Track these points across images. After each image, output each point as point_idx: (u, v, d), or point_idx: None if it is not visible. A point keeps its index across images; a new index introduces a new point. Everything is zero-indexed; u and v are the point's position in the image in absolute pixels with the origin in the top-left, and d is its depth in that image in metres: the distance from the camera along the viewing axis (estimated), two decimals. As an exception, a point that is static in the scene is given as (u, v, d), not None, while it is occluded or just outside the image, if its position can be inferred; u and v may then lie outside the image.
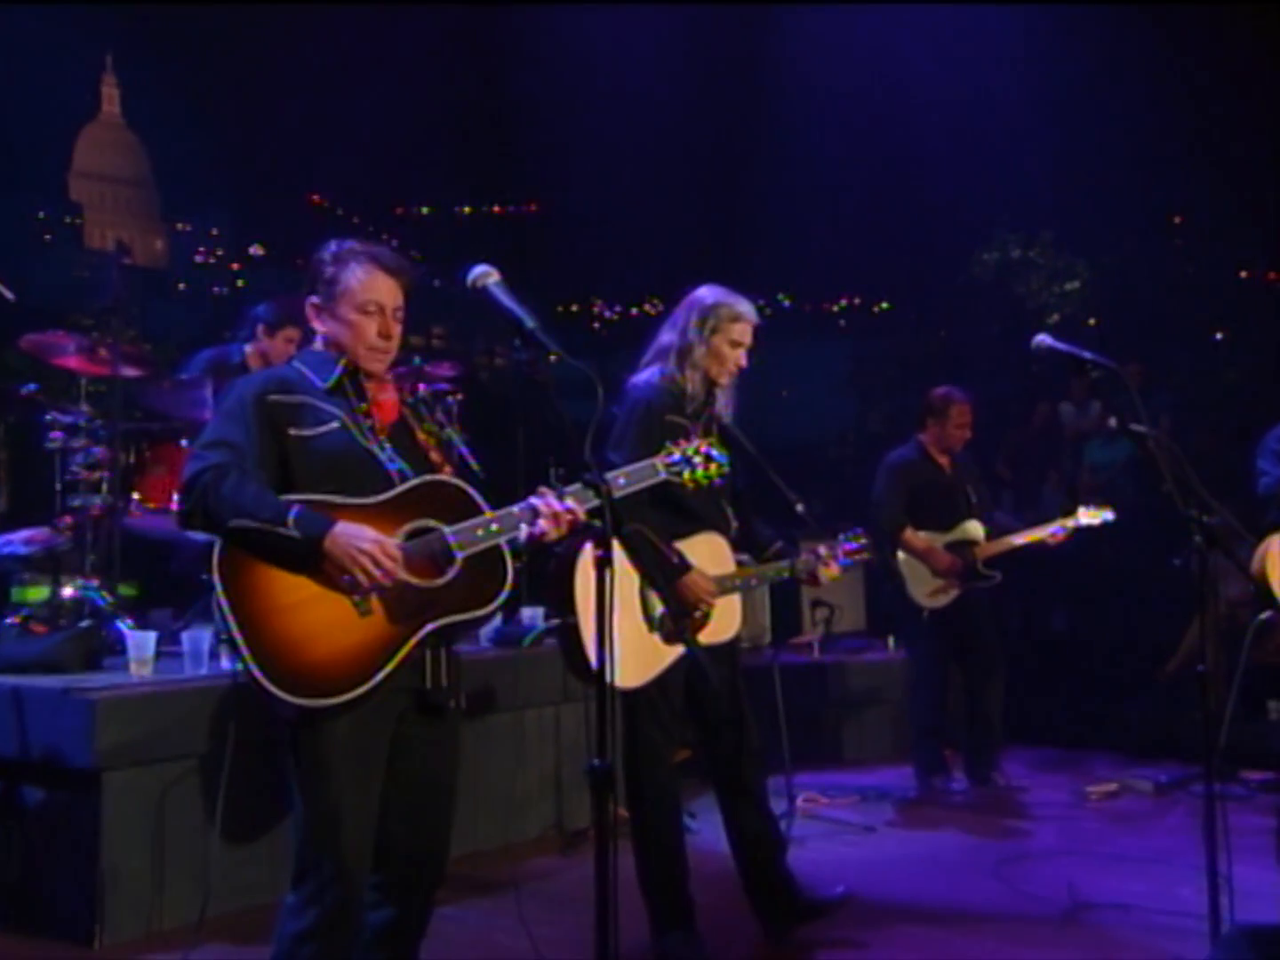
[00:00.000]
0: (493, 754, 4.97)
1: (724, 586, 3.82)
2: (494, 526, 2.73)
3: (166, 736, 3.91)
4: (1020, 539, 5.83)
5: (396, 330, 2.85)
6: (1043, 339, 3.50)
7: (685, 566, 3.71)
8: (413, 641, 2.65)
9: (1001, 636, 6.16)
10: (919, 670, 6.14)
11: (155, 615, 5.41)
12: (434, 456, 2.88)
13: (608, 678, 2.30)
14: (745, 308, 3.88)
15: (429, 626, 2.67)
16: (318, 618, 2.58)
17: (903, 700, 6.51)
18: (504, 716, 5.04)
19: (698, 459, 3.02)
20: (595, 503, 2.62)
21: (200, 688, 4.04)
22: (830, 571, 3.93)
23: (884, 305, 18.91)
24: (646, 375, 3.91)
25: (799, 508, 3.90)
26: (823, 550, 3.95)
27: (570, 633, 3.61)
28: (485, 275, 2.65)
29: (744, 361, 3.90)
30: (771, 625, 6.85)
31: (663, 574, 3.60)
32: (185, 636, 4.29)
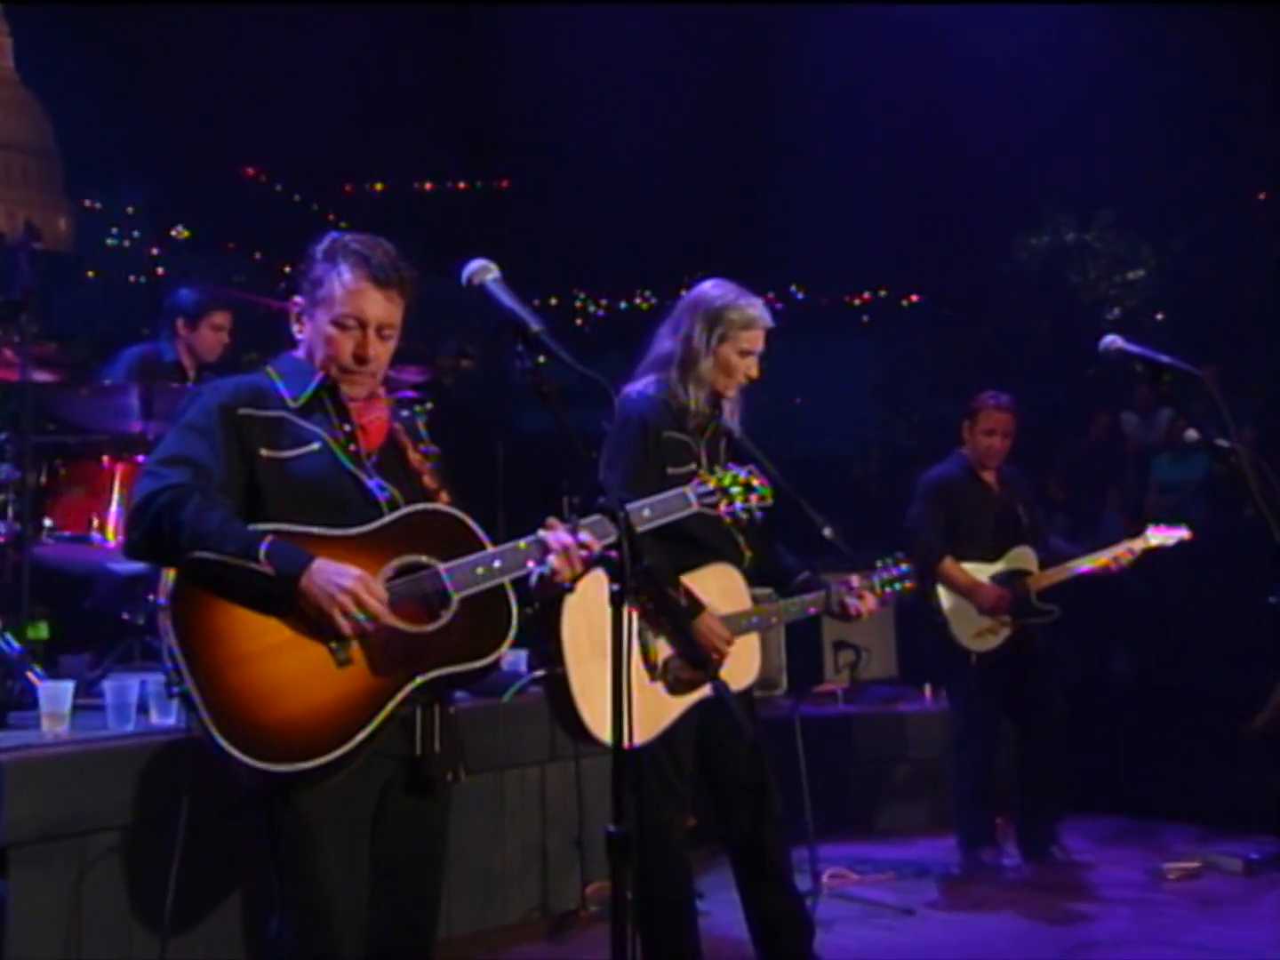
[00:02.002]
0: (469, 822, 4.95)
1: (738, 626, 3.83)
2: (496, 564, 2.73)
3: (87, 806, 3.88)
4: (1081, 566, 5.85)
5: (378, 351, 2.82)
6: (1113, 340, 3.52)
7: (696, 608, 3.73)
8: (399, 696, 2.65)
9: (1060, 685, 6.18)
10: (964, 724, 6.15)
11: (68, 661, 5.39)
12: (428, 482, 2.88)
13: (624, 731, 2.30)
14: (758, 310, 3.92)
15: (419, 679, 2.67)
16: (288, 668, 2.58)
17: (944, 759, 6.53)
18: (481, 779, 5.02)
19: (736, 489, 3.03)
20: (614, 537, 2.59)
21: (127, 747, 4.02)
22: (866, 604, 3.95)
23: (914, 298, 19.01)
24: (641, 385, 3.94)
25: (826, 532, 3.92)
26: (855, 580, 3.97)
27: (558, 685, 3.62)
28: (483, 271, 2.67)
29: (755, 371, 3.93)
30: (788, 670, 6.85)
31: (672, 616, 3.62)
32: (108, 687, 4.27)
